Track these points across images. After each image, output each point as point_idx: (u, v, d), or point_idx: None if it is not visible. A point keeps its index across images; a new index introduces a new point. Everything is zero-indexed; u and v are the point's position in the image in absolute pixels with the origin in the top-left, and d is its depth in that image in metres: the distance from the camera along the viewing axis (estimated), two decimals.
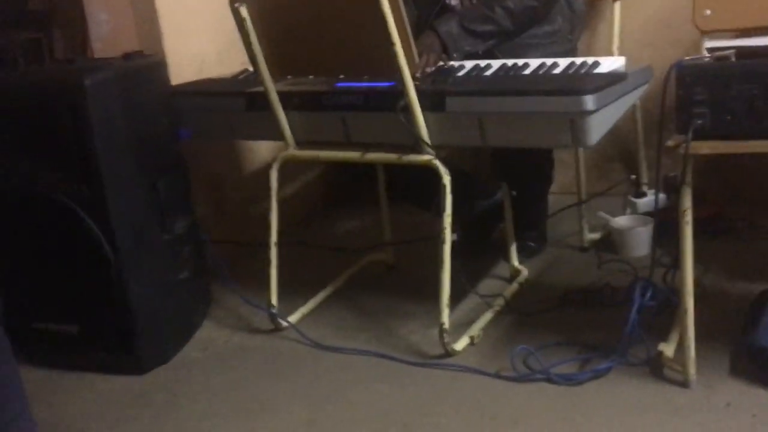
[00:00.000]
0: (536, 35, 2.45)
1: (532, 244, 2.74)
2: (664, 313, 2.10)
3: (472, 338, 2.21)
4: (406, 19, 1.99)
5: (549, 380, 1.99)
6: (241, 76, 2.60)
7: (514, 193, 2.52)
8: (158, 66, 2.39)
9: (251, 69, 2.42)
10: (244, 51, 2.21)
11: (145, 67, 2.32)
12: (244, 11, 2.13)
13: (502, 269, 2.64)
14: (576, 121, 1.91)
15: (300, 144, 2.29)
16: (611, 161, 3.15)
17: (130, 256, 2.18)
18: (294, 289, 2.54)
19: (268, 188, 2.34)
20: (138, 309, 2.21)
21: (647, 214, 2.72)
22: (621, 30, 2.82)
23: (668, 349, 1.96)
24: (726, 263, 2.47)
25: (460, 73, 2.24)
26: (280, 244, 2.37)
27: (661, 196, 2.60)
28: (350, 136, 2.23)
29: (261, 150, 3.05)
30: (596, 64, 2.14)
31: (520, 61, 2.25)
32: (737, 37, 1.93)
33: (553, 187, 2.82)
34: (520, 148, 2.31)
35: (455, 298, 2.21)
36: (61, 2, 3.54)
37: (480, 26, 2.35)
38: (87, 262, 2.17)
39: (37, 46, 3.60)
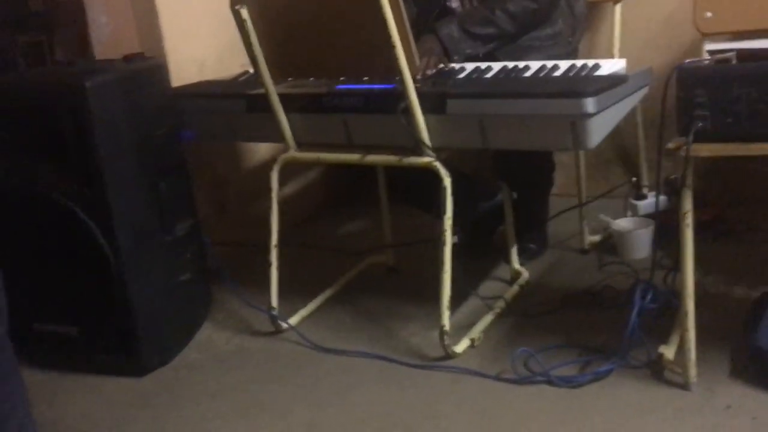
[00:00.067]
0: (537, 37, 2.45)
1: (533, 246, 2.74)
2: (664, 316, 2.10)
3: (472, 340, 2.21)
4: (406, 21, 1.99)
5: (549, 382, 1.99)
6: (241, 78, 2.60)
7: (515, 195, 2.52)
8: (159, 68, 2.40)
9: (252, 71, 2.42)
10: (245, 53, 2.21)
11: (145, 69, 2.33)
12: (244, 13, 2.13)
13: (502, 271, 2.64)
14: (576, 123, 1.91)
15: (301, 146, 2.30)
16: (612, 163, 3.15)
17: (131, 258, 2.18)
18: (294, 291, 2.55)
19: (268, 190, 2.34)
20: (139, 310, 2.21)
21: (648, 216, 2.72)
22: (622, 32, 2.82)
23: (669, 351, 1.96)
24: (726, 266, 2.47)
25: (461, 76, 2.24)
26: (280, 246, 2.37)
27: (662, 198, 2.60)
28: (351, 138, 2.23)
29: (262, 152, 3.05)
30: (597, 66, 2.14)
31: (521, 64, 2.25)
32: (738, 39, 1.93)
33: (554, 189, 2.82)
34: (521, 151, 2.31)
35: (456, 301, 2.21)
36: (62, 5, 3.55)
37: (480, 29, 2.36)
38: (88, 263, 2.18)
39: (38, 49, 3.60)
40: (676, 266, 1.89)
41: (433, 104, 2.05)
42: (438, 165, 2.10)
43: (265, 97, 2.23)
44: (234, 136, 2.50)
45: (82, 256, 2.18)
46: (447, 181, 2.09)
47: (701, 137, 1.70)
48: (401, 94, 2.04)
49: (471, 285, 2.35)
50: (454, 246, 2.12)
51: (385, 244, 2.77)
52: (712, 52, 1.86)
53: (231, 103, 2.38)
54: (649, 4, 2.93)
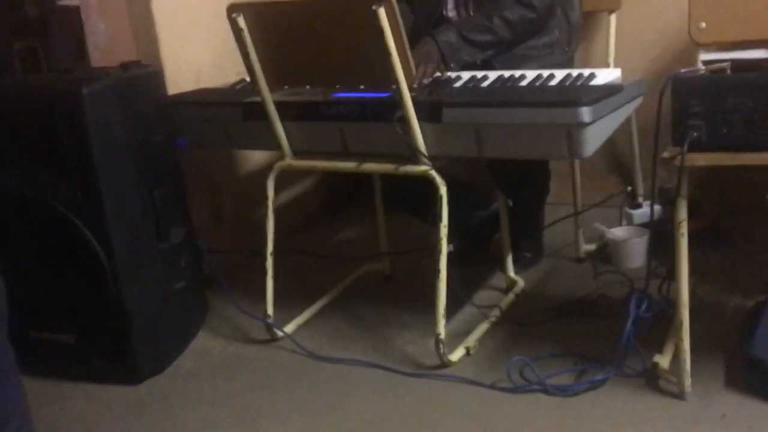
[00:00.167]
0: (534, 46, 2.46)
1: (528, 254, 2.74)
2: (659, 325, 2.11)
3: (468, 349, 2.21)
4: (403, 31, 2.00)
5: (545, 391, 1.99)
6: (238, 86, 2.60)
7: (511, 203, 2.52)
8: (155, 75, 2.40)
9: (248, 79, 2.42)
10: (241, 61, 2.21)
11: (142, 76, 2.33)
12: (241, 21, 2.14)
13: (498, 280, 2.64)
14: (572, 132, 1.91)
15: (297, 153, 2.30)
16: (607, 173, 3.16)
17: (127, 265, 2.18)
18: (290, 299, 2.55)
19: (264, 197, 2.35)
20: (134, 318, 2.21)
21: (643, 225, 2.73)
22: (617, 42, 2.83)
23: (664, 360, 1.97)
24: (721, 275, 2.47)
25: (457, 84, 2.25)
26: (276, 254, 2.37)
27: (657, 207, 2.60)
28: (347, 146, 2.23)
29: (258, 159, 3.05)
30: (592, 75, 2.15)
31: (517, 73, 2.26)
32: (733, 49, 1.94)
33: (549, 198, 2.83)
34: (517, 159, 2.31)
35: (451, 309, 2.21)
36: (58, 12, 3.55)
37: (478, 36, 2.36)
38: (83, 270, 2.17)
39: (33, 54, 3.61)
40: (671, 275, 1.90)
41: (429, 113, 2.06)
42: (434, 173, 2.10)
43: (261, 105, 2.23)
44: (230, 143, 2.50)
45: (78, 262, 2.17)
46: (443, 190, 2.10)
47: (696, 147, 1.71)
48: (397, 103, 2.04)
49: (466, 293, 2.35)
50: (450, 254, 2.13)
51: (380, 253, 2.77)
52: (706, 62, 1.86)
53: (227, 111, 2.38)
54: (644, 14, 2.95)
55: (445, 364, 2.15)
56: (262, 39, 2.17)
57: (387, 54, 1.97)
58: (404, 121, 2.05)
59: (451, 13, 2.55)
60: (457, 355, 2.18)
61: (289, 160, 2.30)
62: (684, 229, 1.78)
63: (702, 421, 1.82)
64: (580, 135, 1.91)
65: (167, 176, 2.35)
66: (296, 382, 2.19)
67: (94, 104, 2.09)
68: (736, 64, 1.78)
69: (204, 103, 2.46)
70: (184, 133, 2.43)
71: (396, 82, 2.01)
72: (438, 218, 2.11)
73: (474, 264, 2.68)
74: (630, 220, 2.84)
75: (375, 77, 2.11)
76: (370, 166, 2.23)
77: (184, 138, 2.43)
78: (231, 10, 2.14)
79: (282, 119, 2.24)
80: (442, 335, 2.12)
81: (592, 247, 2.78)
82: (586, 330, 2.26)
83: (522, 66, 2.34)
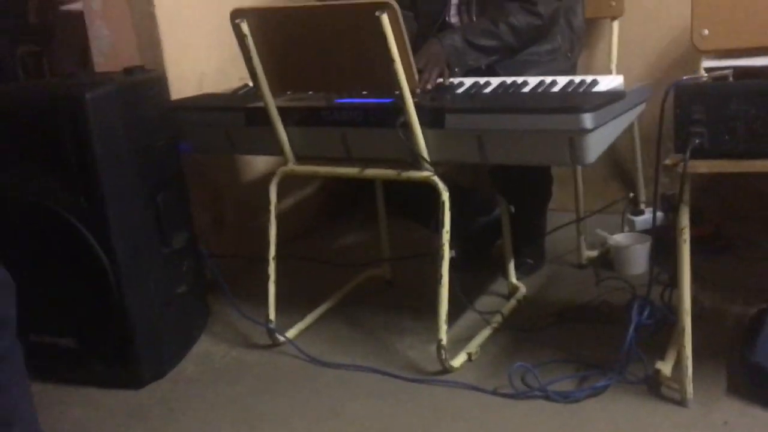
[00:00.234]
0: (537, 53, 2.46)
1: (530, 260, 2.74)
2: (661, 332, 2.10)
3: (469, 355, 2.21)
4: (406, 37, 2.00)
5: (546, 397, 1.99)
6: (240, 91, 2.61)
7: (513, 209, 2.52)
8: (159, 81, 2.40)
9: (251, 84, 2.43)
10: (244, 66, 2.22)
11: (145, 81, 2.33)
12: (245, 27, 2.15)
13: (500, 286, 2.64)
14: (574, 139, 1.92)
15: (299, 159, 2.30)
16: (609, 179, 3.16)
17: (129, 269, 2.18)
18: (292, 304, 2.55)
19: (267, 202, 2.35)
20: (136, 322, 2.21)
21: (645, 231, 2.73)
22: (619, 49, 2.84)
23: (666, 367, 1.97)
24: (723, 282, 2.47)
25: (460, 90, 2.25)
26: (278, 259, 2.37)
27: (659, 214, 2.60)
28: (350, 151, 2.23)
29: (260, 164, 3.05)
30: (595, 82, 2.15)
31: (519, 79, 2.26)
32: (735, 57, 1.94)
33: (552, 204, 2.83)
34: (519, 166, 2.32)
35: (453, 315, 2.22)
36: (61, 17, 3.56)
37: (484, 41, 2.36)
38: (85, 274, 2.17)
39: (36, 59, 3.61)
40: (673, 282, 1.90)
41: (431, 119, 2.06)
42: (436, 179, 2.10)
43: (264, 111, 2.23)
44: (233, 149, 2.50)
45: (80, 267, 2.18)
46: (445, 196, 2.10)
47: (698, 154, 1.71)
48: (400, 109, 2.05)
49: (468, 299, 2.35)
50: (452, 260, 2.13)
51: (382, 258, 2.77)
52: (709, 70, 1.87)
53: (230, 116, 2.38)
54: (646, 20, 2.95)
55: (447, 369, 2.15)
56: (265, 44, 2.17)
57: (390, 60, 1.98)
58: (407, 126, 2.05)
59: (453, 19, 2.55)
60: (458, 360, 2.18)
61: (292, 166, 2.31)
62: (686, 236, 1.78)
63: (704, 428, 1.82)
64: (582, 141, 1.91)
65: (170, 181, 2.36)
66: (298, 387, 2.19)
67: (97, 109, 2.09)
68: (739, 72, 1.78)
69: (207, 108, 2.47)
70: (187, 138, 2.44)
71: (399, 88, 2.01)
72: (440, 224, 2.11)
73: (476, 270, 2.68)
74: (632, 227, 2.84)
75: (378, 83, 2.11)
76: (372, 172, 2.23)
77: (186, 143, 2.43)
78: (234, 15, 2.15)
79: (285, 124, 2.25)
80: (444, 341, 2.12)
81: (594, 253, 2.78)
82: (588, 336, 2.26)
83: (525, 72, 2.34)
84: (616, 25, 2.85)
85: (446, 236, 2.11)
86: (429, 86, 2.22)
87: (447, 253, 2.11)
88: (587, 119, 1.87)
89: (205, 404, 2.15)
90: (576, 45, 2.57)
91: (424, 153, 2.08)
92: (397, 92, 2.03)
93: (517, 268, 2.61)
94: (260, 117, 2.26)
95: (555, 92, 2.15)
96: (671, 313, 2.06)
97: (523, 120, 1.97)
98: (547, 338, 2.27)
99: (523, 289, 2.57)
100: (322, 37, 2.12)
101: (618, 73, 2.75)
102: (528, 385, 2.05)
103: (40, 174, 2.16)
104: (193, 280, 2.44)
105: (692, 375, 1.87)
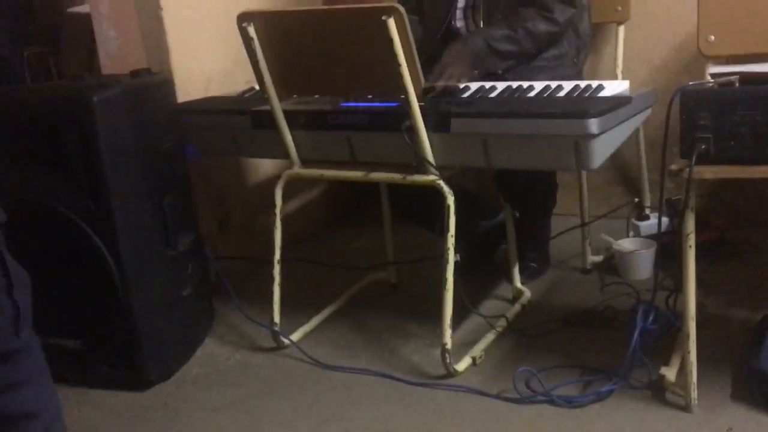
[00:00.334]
0: (543, 58, 2.46)
1: (535, 265, 2.74)
2: (666, 337, 2.10)
3: (474, 359, 2.21)
4: (412, 41, 2.01)
5: (551, 402, 1.99)
6: (247, 95, 2.62)
7: (518, 214, 2.52)
8: (165, 83, 2.41)
9: (257, 87, 2.44)
10: (250, 69, 2.22)
11: (152, 84, 2.34)
12: (251, 31, 2.15)
13: (504, 290, 2.64)
14: (580, 144, 1.92)
15: (305, 162, 2.31)
16: (614, 184, 3.16)
17: (135, 272, 2.19)
18: (297, 307, 2.55)
19: (272, 205, 2.35)
20: (141, 324, 2.21)
21: (650, 237, 2.73)
22: (625, 54, 2.84)
23: (670, 372, 1.96)
24: (728, 287, 2.47)
25: (465, 95, 2.25)
26: (283, 262, 2.38)
27: (664, 219, 2.60)
28: (355, 155, 2.24)
29: (265, 167, 3.06)
30: (600, 87, 2.15)
31: (525, 84, 2.26)
32: (741, 62, 1.94)
33: (557, 209, 2.82)
34: (524, 170, 2.32)
35: (457, 319, 2.22)
36: (69, 20, 3.58)
37: (504, 46, 2.37)
38: (91, 276, 2.18)
39: (44, 62, 3.63)
40: (678, 287, 1.89)
41: (437, 123, 2.07)
42: (441, 183, 2.10)
43: (270, 114, 2.24)
44: (239, 152, 2.51)
45: (86, 269, 2.18)
46: (450, 200, 2.10)
47: (704, 159, 1.71)
48: (406, 113, 2.05)
49: (473, 303, 2.35)
50: (456, 264, 2.13)
51: (387, 262, 2.78)
52: (715, 75, 1.87)
53: (236, 119, 2.39)
54: (652, 26, 2.95)
55: (451, 373, 2.15)
56: (271, 48, 2.18)
57: (396, 64, 1.98)
58: (412, 130, 2.06)
59: (459, 23, 2.55)
60: (463, 364, 2.18)
61: (297, 169, 2.31)
62: (691, 242, 1.78)
63: None
64: (587, 146, 1.91)
65: (176, 183, 2.36)
66: (302, 390, 2.19)
67: (104, 112, 2.10)
68: (745, 77, 1.78)
69: (213, 111, 2.47)
70: (194, 141, 2.44)
71: (405, 91, 2.01)
72: (445, 228, 2.11)
73: (480, 274, 2.68)
74: (637, 232, 2.84)
75: (383, 87, 2.11)
76: (377, 176, 2.23)
77: (192, 146, 2.44)
78: (241, 19, 2.15)
79: (290, 128, 2.25)
80: (449, 345, 2.12)
81: (598, 258, 2.78)
82: (593, 341, 2.26)
83: (531, 78, 2.34)
84: (622, 30, 2.85)
85: (451, 240, 2.11)
86: (454, 83, 2.22)
87: (452, 257, 2.11)
88: (593, 124, 1.87)
89: (209, 406, 2.16)
90: (582, 50, 2.57)
91: (430, 157, 2.08)
92: (402, 96, 2.03)
93: (521, 272, 2.61)
94: (266, 120, 2.27)
95: (560, 97, 2.15)
96: (676, 318, 2.06)
97: (528, 125, 1.97)
98: (552, 343, 2.27)
99: (527, 294, 2.57)
100: (329, 41, 2.12)
101: (624, 78, 2.76)
102: (532, 389, 2.05)
103: (47, 176, 2.17)
104: (198, 282, 2.44)
105: (696, 381, 1.87)
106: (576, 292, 2.60)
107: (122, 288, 2.17)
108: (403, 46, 1.98)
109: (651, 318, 2.07)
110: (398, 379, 2.18)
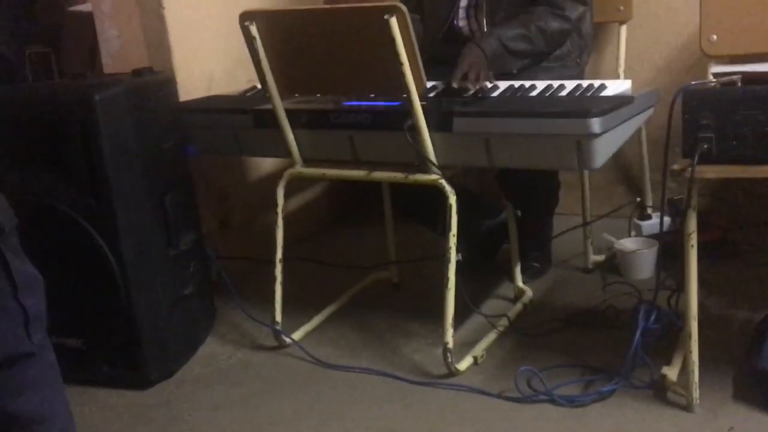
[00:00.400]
0: (547, 58, 2.46)
1: (537, 264, 2.74)
2: (667, 337, 2.10)
3: (475, 358, 2.21)
4: (414, 40, 2.01)
5: (552, 402, 1.99)
6: (249, 94, 2.62)
7: (520, 213, 2.52)
8: (167, 82, 2.41)
9: (259, 86, 2.44)
10: (252, 68, 2.22)
11: (154, 83, 2.34)
12: (254, 30, 2.15)
13: (506, 289, 2.64)
14: (582, 143, 1.92)
15: (307, 161, 2.31)
16: (616, 183, 3.16)
17: (136, 271, 2.19)
18: (298, 306, 2.55)
19: (274, 204, 2.35)
20: (143, 323, 2.22)
21: (652, 236, 2.72)
22: (627, 53, 2.84)
23: (672, 372, 1.96)
24: (730, 287, 2.47)
25: (468, 94, 2.25)
26: (285, 261, 2.38)
27: (666, 219, 2.60)
28: (357, 154, 2.24)
29: (266, 166, 3.06)
30: (603, 87, 2.15)
31: (527, 83, 2.26)
32: (743, 62, 1.94)
33: (558, 208, 2.83)
34: (526, 169, 2.32)
35: (459, 318, 2.22)
36: (71, 18, 3.57)
37: (518, 45, 2.35)
38: (92, 275, 2.18)
39: (46, 61, 3.63)
40: (680, 287, 1.89)
41: (439, 122, 2.07)
42: (443, 182, 2.10)
43: (272, 113, 2.24)
44: (240, 151, 2.51)
45: (87, 267, 2.18)
46: (452, 199, 2.10)
47: (706, 159, 1.71)
48: (408, 112, 2.05)
49: (474, 303, 2.35)
50: (458, 263, 2.13)
51: (389, 261, 2.78)
52: (717, 75, 1.87)
53: (238, 118, 2.39)
54: (655, 25, 2.95)
55: (453, 373, 2.15)
56: (273, 47, 2.18)
57: (398, 63, 1.98)
58: (414, 129, 2.06)
59: (461, 23, 2.55)
60: (464, 364, 2.18)
61: (299, 168, 2.31)
62: (693, 241, 1.78)
63: None
64: (590, 146, 1.91)
65: (178, 182, 2.36)
66: (303, 389, 2.19)
67: (106, 110, 2.10)
68: (747, 77, 1.78)
69: (215, 110, 2.48)
70: (196, 140, 2.44)
71: (407, 91, 2.01)
72: (447, 227, 2.11)
73: (482, 273, 2.68)
74: (639, 231, 2.83)
75: (386, 86, 2.12)
76: (379, 175, 2.23)
77: (193, 146, 2.44)
78: (243, 18, 2.15)
79: (292, 127, 2.25)
80: (450, 344, 2.12)
81: (600, 257, 2.78)
82: (594, 341, 2.26)
83: (535, 78, 2.34)
84: (624, 29, 2.84)
85: (453, 239, 2.11)
86: (472, 87, 2.21)
87: (453, 257, 2.11)
88: (595, 123, 1.87)
89: (210, 405, 2.16)
90: (585, 50, 2.56)
91: (432, 156, 2.08)
92: (404, 95, 2.03)
93: (523, 271, 2.61)
94: (268, 119, 2.27)
95: (563, 96, 2.15)
96: (678, 318, 2.06)
97: (531, 124, 1.97)
98: (553, 342, 2.27)
99: (529, 293, 2.57)
100: (331, 40, 2.12)
101: (626, 77, 2.76)
102: (534, 389, 2.05)
103: (49, 175, 2.17)
104: (200, 281, 2.44)
105: (698, 380, 1.87)
106: (578, 292, 2.60)
107: (123, 287, 2.17)
108: (405, 46, 1.98)
109: (653, 318, 2.07)
110: (400, 379, 2.18)
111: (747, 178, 1.74)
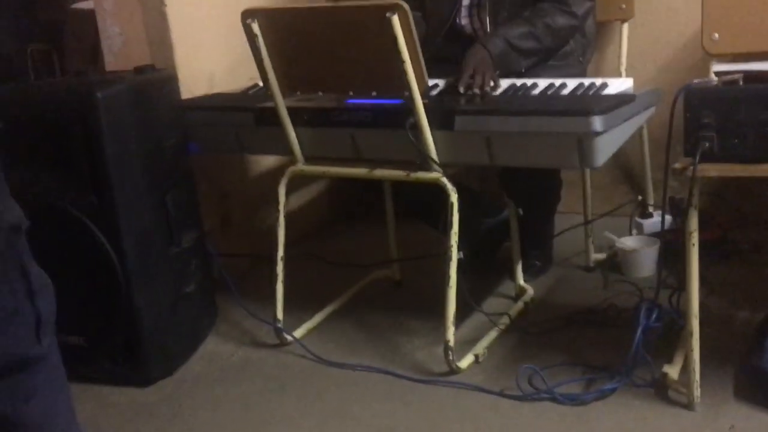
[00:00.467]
0: (553, 56, 2.46)
1: (538, 263, 2.74)
2: (669, 335, 2.10)
3: (476, 356, 2.21)
4: (416, 38, 2.01)
5: (554, 400, 1.99)
6: (250, 91, 2.62)
7: (521, 211, 2.52)
8: (169, 80, 2.41)
9: (261, 84, 2.44)
10: (254, 66, 2.23)
11: (156, 80, 2.34)
12: (255, 27, 2.15)
13: (507, 288, 2.64)
14: (583, 141, 1.92)
15: (308, 159, 2.31)
16: (618, 182, 3.16)
17: (137, 268, 2.19)
18: (300, 304, 2.55)
19: (275, 202, 2.35)
20: (144, 321, 2.22)
21: (653, 235, 2.73)
22: (629, 51, 2.83)
23: (673, 371, 1.96)
24: (731, 286, 2.47)
25: (470, 92, 2.25)
26: (286, 258, 2.38)
27: (668, 217, 2.60)
28: (359, 152, 2.24)
29: (268, 164, 3.06)
30: (604, 85, 2.15)
31: (529, 81, 2.26)
32: (745, 60, 1.94)
33: (560, 207, 2.82)
34: (528, 168, 2.32)
35: (460, 316, 2.21)
36: (72, 15, 3.57)
37: (525, 43, 2.35)
38: (94, 273, 2.18)
39: (48, 58, 3.63)
40: (681, 286, 1.89)
41: (441, 120, 2.07)
42: (445, 181, 2.11)
43: (273, 111, 2.24)
44: (242, 148, 2.51)
45: (89, 265, 2.19)
46: (453, 197, 2.10)
47: (707, 158, 1.71)
48: (409, 110, 2.05)
49: (476, 301, 2.35)
50: (460, 261, 2.13)
51: (390, 259, 2.78)
52: (719, 73, 1.86)
53: (239, 116, 2.39)
54: (656, 24, 2.95)
55: (454, 371, 2.15)
56: (275, 45, 2.18)
57: (400, 61, 1.98)
58: (416, 128, 2.06)
59: (464, 21, 2.55)
60: (465, 362, 2.18)
61: (301, 166, 2.31)
62: (695, 240, 1.78)
63: None
64: (591, 144, 1.91)
65: (179, 180, 2.37)
66: (305, 387, 2.19)
67: (108, 108, 2.10)
68: (749, 76, 1.78)
69: (217, 107, 2.48)
70: (197, 138, 2.44)
71: (408, 89, 2.01)
72: (448, 225, 2.11)
73: (484, 271, 2.68)
74: (640, 230, 2.84)
75: (387, 84, 2.11)
76: (381, 173, 2.23)
77: (194, 144, 2.44)
78: (245, 15, 2.15)
79: (294, 125, 2.25)
80: (451, 342, 2.12)
81: (602, 256, 2.77)
82: (596, 339, 2.26)
83: (538, 76, 2.33)
84: (626, 27, 2.84)
85: (454, 238, 2.11)
86: (487, 88, 2.20)
87: (455, 255, 2.11)
88: (597, 122, 1.87)
89: (212, 403, 2.16)
90: (588, 49, 2.56)
91: (434, 154, 2.08)
92: (406, 93, 2.03)
93: (524, 270, 2.61)
94: (270, 117, 2.27)
95: (564, 95, 2.15)
96: (679, 317, 2.06)
97: (532, 122, 1.97)
98: (555, 340, 2.27)
99: (530, 292, 2.57)
100: (333, 38, 2.12)
101: (628, 76, 2.75)
102: (535, 387, 2.05)
103: (51, 172, 2.17)
104: (201, 279, 2.45)
105: (699, 379, 1.87)
106: (579, 290, 2.60)
107: (125, 284, 2.17)
108: (407, 44, 1.98)
109: (654, 316, 2.07)
110: (401, 376, 2.18)
111: (748, 177, 1.73)
